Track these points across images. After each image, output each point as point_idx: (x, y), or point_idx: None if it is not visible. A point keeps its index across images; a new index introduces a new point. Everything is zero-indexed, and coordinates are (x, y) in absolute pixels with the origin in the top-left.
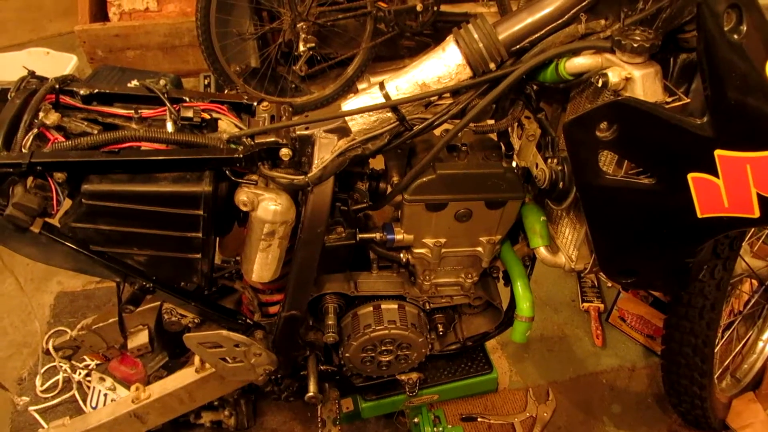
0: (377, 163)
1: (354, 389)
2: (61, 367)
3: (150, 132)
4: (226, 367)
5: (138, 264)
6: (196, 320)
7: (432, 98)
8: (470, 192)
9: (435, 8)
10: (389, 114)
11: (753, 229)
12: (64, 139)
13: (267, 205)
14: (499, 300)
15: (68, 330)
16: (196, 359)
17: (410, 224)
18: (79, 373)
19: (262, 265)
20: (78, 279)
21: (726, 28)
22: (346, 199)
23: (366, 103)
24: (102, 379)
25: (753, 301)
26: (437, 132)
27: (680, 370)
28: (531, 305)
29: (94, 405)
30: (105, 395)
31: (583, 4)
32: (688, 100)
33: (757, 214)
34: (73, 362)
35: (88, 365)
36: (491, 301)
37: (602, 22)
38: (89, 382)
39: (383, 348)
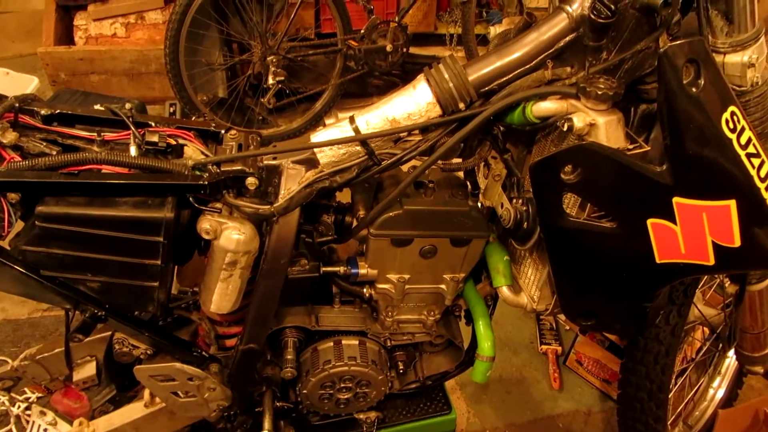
0: (344, 197)
1: (310, 427)
2: None
3: (112, 155)
4: (177, 402)
5: (91, 291)
6: (148, 351)
7: (401, 134)
8: (436, 229)
9: (404, 50)
10: (358, 148)
11: (706, 277)
12: (20, 159)
13: (230, 234)
14: (461, 339)
15: (9, 360)
16: (146, 393)
17: (375, 259)
18: (18, 407)
19: (221, 295)
20: (24, 306)
21: (685, 81)
22: (311, 231)
23: (335, 136)
24: (43, 413)
25: (705, 348)
26: (405, 168)
27: (635, 415)
28: (492, 345)
29: None
30: (45, 430)
31: (550, 51)
32: (649, 148)
33: (711, 261)
34: (13, 394)
35: (29, 398)
36: (452, 340)
37: (568, 69)
38: (28, 416)
39: (342, 385)
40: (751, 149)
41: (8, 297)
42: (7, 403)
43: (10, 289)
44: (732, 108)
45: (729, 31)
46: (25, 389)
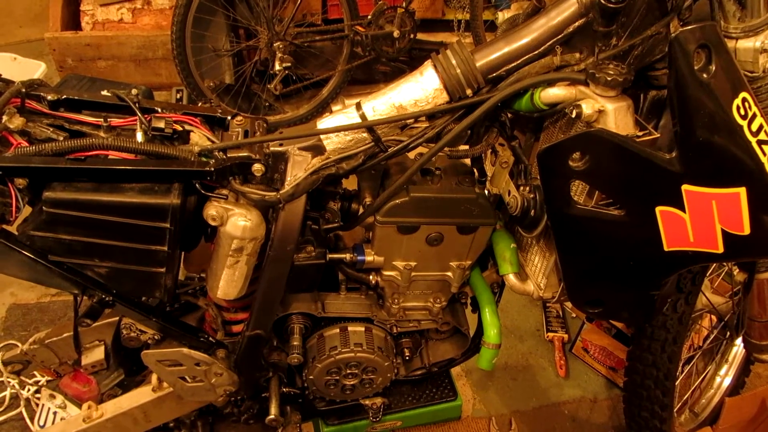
0: (350, 184)
1: (316, 413)
2: (9, 382)
3: (118, 141)
4: (184, 387)
5: (98, 276)
6: (156, 337)
7: (408, 121)
8: (442, 216)
9: (411, 36)
10: (365, 134)
11: (714, 265)
12: (27, 145)
13: (236, 221)
14: (467, 326)
15: (19, 344)
16: (154, 378)
17: (381, 246)
18: (28, 390)
19: (228, 281)
20: (32, 291)
21: (696, 67)
22: (317, 218)
23: (342, 123)
24: (52, 397)
25: (712, 336)
26: (411, 155)
27: (641, 403)
28: (498, 332)
29: (42, 424)
30: (54, 413)
31: (559, 36)
32: (658, 135)
33: (720, 249)
34: (23, 378)
35: (38, 381)
36: (458, 327)
37: (577, 55)
38: (38, 399)
39: (348, 371)
40: (762, 136)
41: (17, 282)
42: (17, 387)
43: (18, 274)
44: (743, 94)
45: (741, 16)
46: (35, 373)
